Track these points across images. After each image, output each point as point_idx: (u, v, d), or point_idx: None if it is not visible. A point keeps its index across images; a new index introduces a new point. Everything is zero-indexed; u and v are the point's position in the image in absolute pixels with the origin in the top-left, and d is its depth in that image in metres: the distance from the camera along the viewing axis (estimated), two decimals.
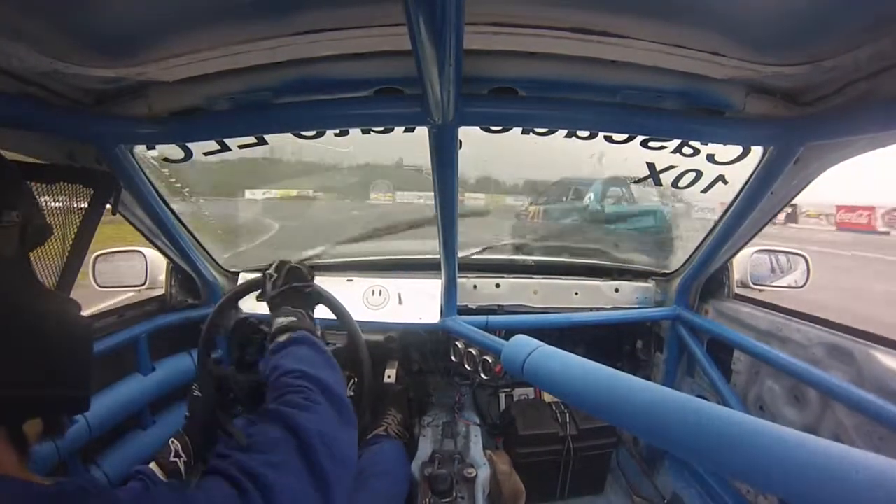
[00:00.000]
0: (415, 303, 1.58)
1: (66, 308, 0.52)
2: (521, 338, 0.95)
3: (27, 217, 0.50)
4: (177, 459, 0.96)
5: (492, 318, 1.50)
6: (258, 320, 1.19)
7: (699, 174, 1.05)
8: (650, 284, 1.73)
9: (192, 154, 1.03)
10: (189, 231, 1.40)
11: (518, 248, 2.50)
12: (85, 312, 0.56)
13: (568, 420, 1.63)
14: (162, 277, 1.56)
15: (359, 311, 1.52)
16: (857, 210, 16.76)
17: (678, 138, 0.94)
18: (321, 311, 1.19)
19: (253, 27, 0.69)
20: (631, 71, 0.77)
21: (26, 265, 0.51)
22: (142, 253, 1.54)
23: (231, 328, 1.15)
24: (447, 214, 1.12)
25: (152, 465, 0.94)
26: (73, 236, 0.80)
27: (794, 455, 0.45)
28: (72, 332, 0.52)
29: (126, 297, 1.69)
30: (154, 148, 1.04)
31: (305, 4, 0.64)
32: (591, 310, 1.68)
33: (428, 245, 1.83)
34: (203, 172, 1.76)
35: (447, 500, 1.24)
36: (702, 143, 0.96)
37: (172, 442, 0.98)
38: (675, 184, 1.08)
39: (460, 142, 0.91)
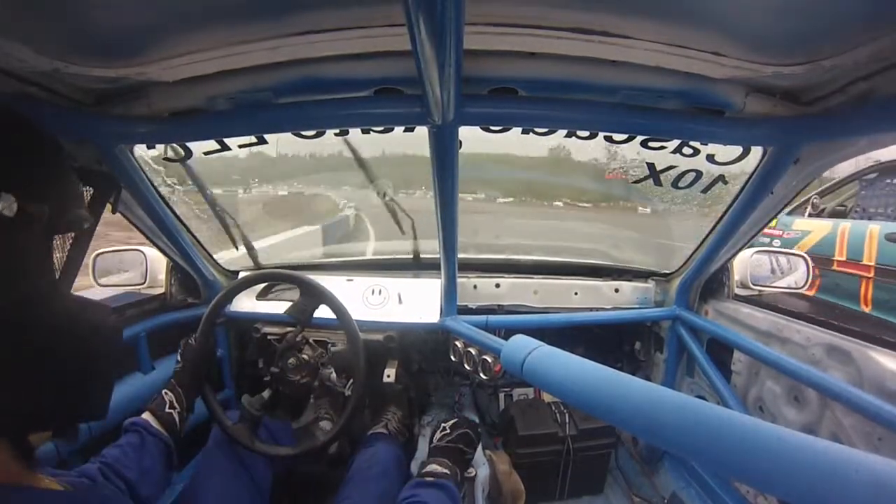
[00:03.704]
0: (415, 302, 1.58)
1: (96, 313, 0.49)
2: (520, 337, 0.95)
3: (59, 210, 0.45)
4: (172, 411, 0.96)
5: (492, 317, 1.50)
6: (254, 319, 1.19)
7: (699, 174, 1.05)
8: (650, 285, 1.73)
9: (191, 154, 1.03)
10: (189, 231, 1.40)
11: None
12: None
13: (567, 420, 1.63)
14: (162, 276, 1.56)
15: (359, 311, 1.52)
16: None
17: (678, 138, 0.94)
18: (321, 310, 1.19)
19: (253, 27, 0.69)
20: (631, 71, 0.77)
21: (50, 266, 0.47)
22: (142, 252, 1.54)
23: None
24: (447, 214, 1.12)
25: (147, 416, 0.93)
26: (72, 235, 0.80)
27: (793, 455, 0.45)
28: (97, 339, 0.48)
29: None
30: (154, 148, 1.04)
31: (305, 4, 0.64)
32: (591, 310, 1.68)
33: (428, 245, 1.83)
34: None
35: None
36: (702, 144, 0.96)
37: (166, 393, 0.99)
38: (675, 184, 1.08)
39: (460, 142, 0.91)
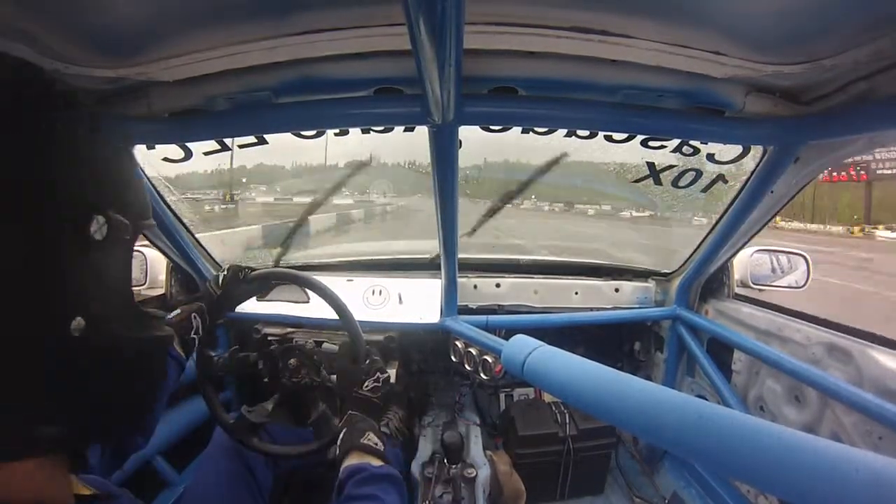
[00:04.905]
0: (415, 303, 1.58)
1: (157, 328, 0.48)
2: (521, 338, 0.95)
3: (136, 220, 0.45)
4: (196, 337, 0.93)
5: (492, 317, 1.50)
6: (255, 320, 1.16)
7: (699, 174, 1.05)
8: (650, 284, 1.73)
9: (192, 154, 1.03)
10: (189, 231, 1.40)
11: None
12: None
13: (568, 420, 1.63)
14: (162, 277, 1.56)
15: (359, 311, 1.52)
16: None
17: (678, 138, 0.94)
18: (324, 311, 1.18)
19: (252, 27, 0.69)
20: (631, 70, 0.77)
21: (129, 278, 0.46)
22: (142, 253, 1.54)
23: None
24: (447, 214, 1.12)
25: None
26: None
27: (794, 455, 0.45)
28: (158, 354, 0.49)
29: None
30: (154, 148, 1.04)
31: (305, 4, 0.64)
32: (591, 310, 1.68)
33: (428, 245, 1.83)
34: None
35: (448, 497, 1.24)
36: (702, 143, 0.96)
37: (194, 317, 0.93)
38: (675, 183, 1.08)
39: (460, 141, 0.91)
